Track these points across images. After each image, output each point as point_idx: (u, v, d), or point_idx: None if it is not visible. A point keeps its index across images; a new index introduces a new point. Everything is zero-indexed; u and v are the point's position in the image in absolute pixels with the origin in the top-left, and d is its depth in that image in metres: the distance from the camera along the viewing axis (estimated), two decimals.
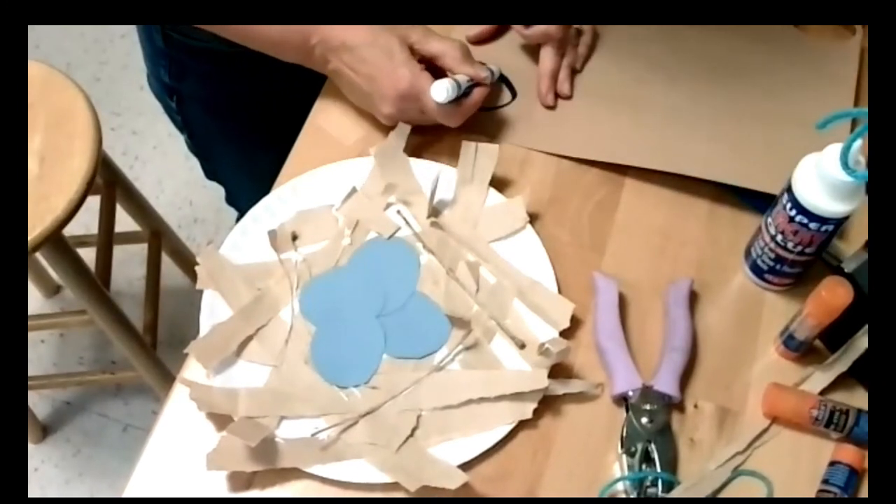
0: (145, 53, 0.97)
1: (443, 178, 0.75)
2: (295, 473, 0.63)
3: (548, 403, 0.66)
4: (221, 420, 0.65)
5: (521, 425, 0.65)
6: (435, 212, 0.75)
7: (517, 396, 0.65)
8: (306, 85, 0.82)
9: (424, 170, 0.76)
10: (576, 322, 0.69)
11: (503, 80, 0.81)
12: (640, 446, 0.64)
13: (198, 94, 0.96)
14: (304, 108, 0.81)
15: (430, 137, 0.78)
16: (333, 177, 0.76)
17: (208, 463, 0.62)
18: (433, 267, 0.72)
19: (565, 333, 0.69)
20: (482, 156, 0.75)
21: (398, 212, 0.75)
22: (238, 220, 0.76)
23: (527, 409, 0.65)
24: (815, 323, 0.64)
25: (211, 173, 1.13)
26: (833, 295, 0.62)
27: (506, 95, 0.81)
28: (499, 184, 0.76)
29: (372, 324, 0.70)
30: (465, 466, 0.63)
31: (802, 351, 0.68)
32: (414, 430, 0.65)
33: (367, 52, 0.72)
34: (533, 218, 0.74)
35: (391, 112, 0.74)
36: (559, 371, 0.67)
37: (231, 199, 1.17)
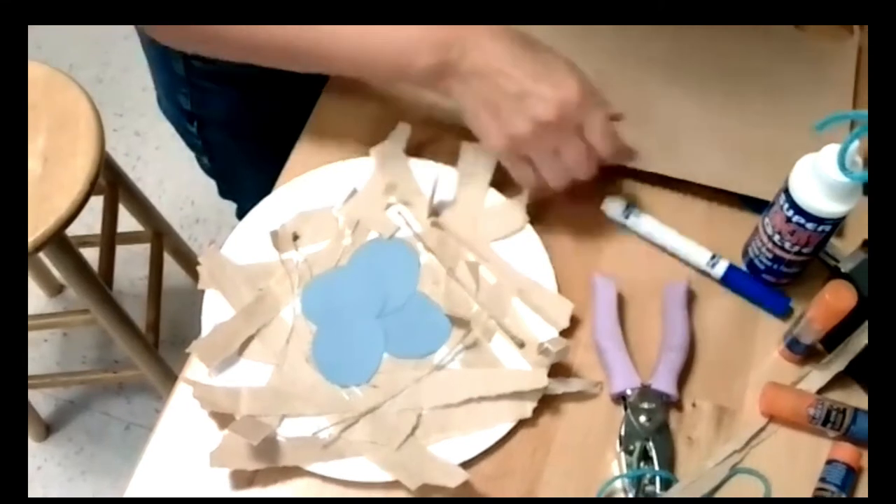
0: (158, 80, 0.95)
1: (443, 178, 0.75)
2: (296, 472, 0.64)
3: (547, 402, 0.67)
4: (223, 419, 0.65)
5: (521, 424, 0.66)
6: (435, 212, 0.75)
7: (517, 395, 0.66)
8: None
9: (424, 170, 0.76)
10: (575, 321, 0.70)
11: None
12: (638, 445, 0.64)
13: (221, 118, 0.94)
14: None
15: (430, 137, 0.79)
16: (333, 177, 0.76)
17: (211, 461, 0.62)
18: (433, 267, 0.73)
19: (565, 333, 0.69)
20: (482, 156, 0.76)
21: (398, 212, 0.75)
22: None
23: (526, 408, 0.66)
24: (819, 327, 0.64)
25: (227, 193, 1.12)
26: (837, 298, 0.62)
27: None
28: (499, 184, 0.76)
29: (372, 323, 0.70)
30: (466, 465, 0.64)
31: (807, 354, 0.68)
32: (414, 428, 0.65)
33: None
34: (533, 218, 0.74)
35: (549, 116, 0.63)
36: (558, 370, 0.68)
37: (243, 216, 1.16)
